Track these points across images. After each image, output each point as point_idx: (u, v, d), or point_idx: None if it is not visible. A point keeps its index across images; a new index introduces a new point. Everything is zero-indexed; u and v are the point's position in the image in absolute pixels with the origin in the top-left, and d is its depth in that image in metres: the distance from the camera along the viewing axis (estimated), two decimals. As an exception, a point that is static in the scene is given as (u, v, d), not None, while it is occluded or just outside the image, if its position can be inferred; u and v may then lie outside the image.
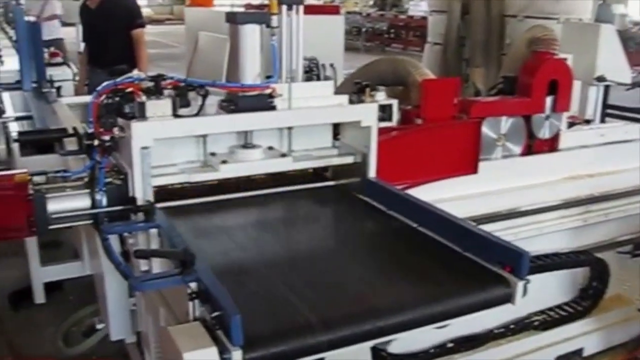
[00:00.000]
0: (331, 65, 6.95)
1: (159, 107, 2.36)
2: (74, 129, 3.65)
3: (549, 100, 3.67)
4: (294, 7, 2.89)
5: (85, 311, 4.21)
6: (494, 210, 3.48)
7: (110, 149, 2.37)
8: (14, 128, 4.11)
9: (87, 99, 5.23)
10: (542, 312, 3.83)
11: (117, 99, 2.37)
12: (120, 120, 2.37)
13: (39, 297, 4.25)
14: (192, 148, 2.64)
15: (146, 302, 2.53)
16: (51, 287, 4.38)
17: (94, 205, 2.34)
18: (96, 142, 2.38)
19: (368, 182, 2.69)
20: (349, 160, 2.76)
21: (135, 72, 2.53)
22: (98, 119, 2.38)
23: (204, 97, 2.51)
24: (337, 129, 2.85)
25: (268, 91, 2.59)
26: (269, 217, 2.73)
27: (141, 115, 2.34)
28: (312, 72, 6.92)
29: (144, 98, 2.36)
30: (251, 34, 2.64)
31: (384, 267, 2.25)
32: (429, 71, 3.57)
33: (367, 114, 2.67)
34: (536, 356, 3.72)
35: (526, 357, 3.69)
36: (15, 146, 3.96)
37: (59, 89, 5.17)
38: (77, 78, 6.83)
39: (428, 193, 2.87)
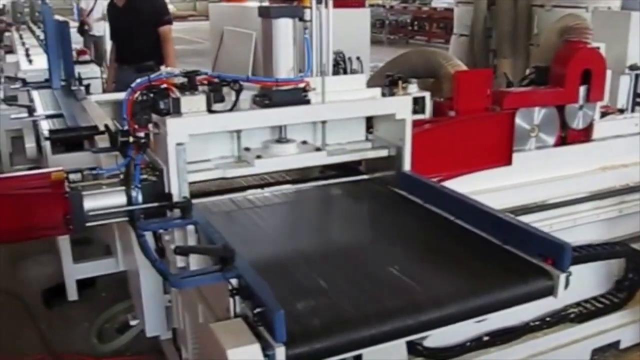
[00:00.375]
0: (357, 58, 6.95)
1: (194, 102, 2.36)
2: (106, 126, 3.66)
3: (582, 90, 3.62)
4: (324, 0, 2.85)
5: (118, 307, 4.24)
6: (527, 201, 3.44)
7: (145, 145, 2.36)
8: (45, 126, 4.11)
9: (116, 96, 5.32)
10: (577, 304, 3.79)
11: (151, 95, 2.36)
12: (154, 117, 2.36)
13: (72, 294, 4.25)
14: (226, 143, 2.62)
15: (183, 298, 2.53)
16: (84, 284, 4.40)
17: (130, 202, 2.32)
18: (131, 139, 2.37)
19: (403, 175, 2.67)
20: (383, 153, 2.74)
21: (167, 69, 2.53)
22: (132, 116, 2.39)
23: (238, 92, 2.49)
24: (370, 122, 2.82)
25: (302, 85, 2.56)
26: (304, 212, 2.72)
27: (176, 111, 2.33)
28: (339, 65, 6.93)
29: (178, 94, 2.36)
30: (285, 27, 2.60)
31: (424, 261, 2.23)
32: (461, 63, 3.53)
33: (401, 106, 2.64)
34: (572, 349, 3.67)
35: (562, 350, 3.64)
36: (47, 144, 3.97)
37: (87, 86, 5.22)
38: (104, 76, 6.89)
39: (462, 185, 2.82)
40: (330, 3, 3.28)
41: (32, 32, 11.21)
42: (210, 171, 2.53)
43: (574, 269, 2.02)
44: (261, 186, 2.74)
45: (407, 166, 2.67)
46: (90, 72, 6.04)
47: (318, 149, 2.67)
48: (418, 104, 3.11)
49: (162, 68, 5.46)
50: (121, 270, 4.08)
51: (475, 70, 4.30)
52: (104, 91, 6.54)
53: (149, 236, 2.43)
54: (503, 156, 3.31)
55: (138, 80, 2.44)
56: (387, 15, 22.91)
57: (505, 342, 3.47)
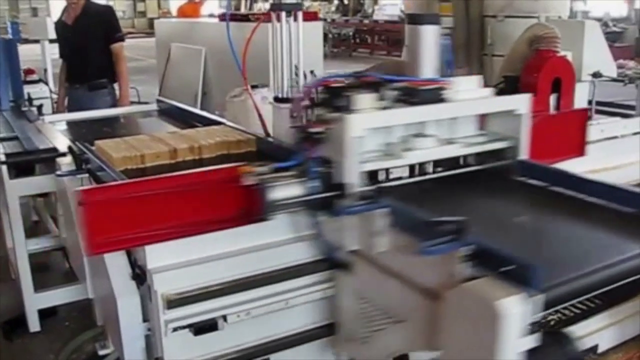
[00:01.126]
0: (312, 72, 6.90)
1: (365, 100, 2.59)
2: (69, 148, 3.53)
3: (552, 98, 3.64)
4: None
5: (84, 336, 4.07)
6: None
7: (319, 140, 2.53)
8: (-1, 150, 3.93)
9: (71, 116, 5.16)
10: (556, 310, 3.77)
11: (325, 94, 2.64)
12: (328, 114, 2.56)
13: (34, 325, 4.08)
14: (375, 139, 2.68)
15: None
16: (45, 314, 4.21)
17: (307, 193, 2.44)
18: (305, 135, 2.59)
19: (523, 163, 2.87)
20: (501, 145, 2.91)
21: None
22: (306, 113, 2.67)
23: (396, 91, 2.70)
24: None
25: (441, 85, 2.76)
26: (456, 196, 2.76)
27: (351, 108, 2.55)
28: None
29: (353, 93, 2.59)
30: (430, 33, 2.83)
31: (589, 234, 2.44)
32: (434, 73, 3.50)
33: (521, 103, 2.87)
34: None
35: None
36: (3, 168, 3.80)
37: (40, 107, 5.04)
38: (54, 96, 6.67)
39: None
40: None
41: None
42: (369, 163, 2.59)
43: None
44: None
45: (524, 155, 2.88)
46: (40, 92, 5.85)
47: (450, 142, 2.83)
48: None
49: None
50: (84, 297, 3.93)
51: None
52: (55, 111, 6.35)
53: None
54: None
55: (311, 80, 2.86)
56: (329, 29, 23.02)
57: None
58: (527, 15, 6.43)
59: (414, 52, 2.85)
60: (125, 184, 2.53)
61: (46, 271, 4.97)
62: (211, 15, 9.00)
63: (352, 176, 2.45)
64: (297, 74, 5.36)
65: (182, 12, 10.95)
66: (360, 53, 21.94)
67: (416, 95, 2.67)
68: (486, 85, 4.04)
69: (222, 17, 8.61)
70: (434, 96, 2.72)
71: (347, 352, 2.80)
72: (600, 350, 3.89)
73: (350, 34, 22.28)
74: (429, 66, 2.83)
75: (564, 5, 6.72)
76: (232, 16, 8.54)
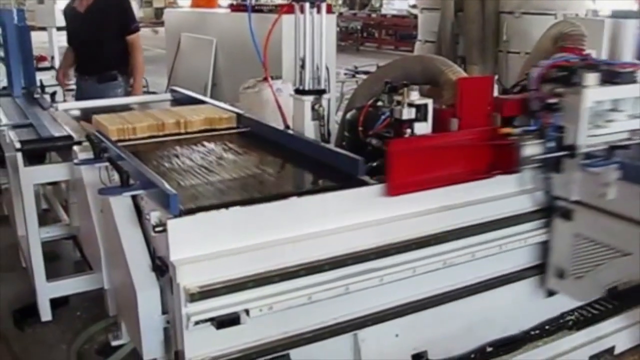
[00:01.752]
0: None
1: (591, 78, 3.06)
2: (87, 136, 3.49)
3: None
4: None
5: (96, 327, 4.03)
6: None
7: (555, 109, 3.10)
8: (13, 137, 3.88)
9: (85, 104, 5.10)
10: (573, 311, 3.74)
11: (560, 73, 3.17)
12: (562, 89, 3.12)
13: (46, 314, 4.02)
14: None
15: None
16: (56, 303, 4.16)
17: (545, 152, 3.09)
18: (543, 105, 3.14)
19: None
20: None
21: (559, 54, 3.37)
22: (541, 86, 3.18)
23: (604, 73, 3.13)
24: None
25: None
26: None
27: (584, 83, 3.04)
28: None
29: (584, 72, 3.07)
30: (630, 26, 3.60)
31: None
32: (460, 69, 3.45)
33: None
34: (571, 357, 3.62)
35: (562, 358, 3.59)
36: (18, 155, 3.75)
37: (53, 94, 4.99)
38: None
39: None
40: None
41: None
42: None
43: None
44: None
45: None
46: (51, 80, 5.77)
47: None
48: (420, 112, 3.01)
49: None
50: (98, 287, 3.89)
51: (479, 77, 4.23)
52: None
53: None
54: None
55: (546, 62, 3.24)
56: (337, 22, 22.89)
57: (509, 352, 3.40)
58: (545, 12, 6.38)
59: (615, 41, 3.64)
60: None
61: (56, 260, 4.92)
62: (230, 6, 8.89)
63: (582, 139, 3.04)
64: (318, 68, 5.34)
65: (196, 2, 10.85)
66: (367, 47, 21.85)
67: (618, 76, 3.13)
68: (501, 81, 4.02)
69: (234, 8, 8.54)
70: (632, 78, 3.17)
71: (558, 288, 3.37)
72: (617, 352, 3.89)
73: (359, 27, 22.14)
74: (628, 54, 3.57)
75: (582, 4, 6.67)
76: (242, 7, 8.49)
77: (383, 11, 23.50)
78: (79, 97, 6.07)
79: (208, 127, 3.90)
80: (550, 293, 3.44)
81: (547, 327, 3.58)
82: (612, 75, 3.13)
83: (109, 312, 3.71)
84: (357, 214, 2.80)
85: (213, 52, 8.52)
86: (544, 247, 3.34)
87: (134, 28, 5.93)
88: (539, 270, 3.39)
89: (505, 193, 3.17)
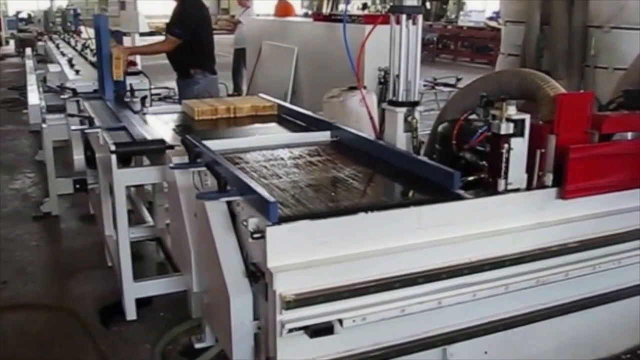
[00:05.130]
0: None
1: None
2: (182, 140, 3.55)
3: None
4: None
5: (180, 328, 4.08)
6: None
7: None
8: (108, 139, 3.97)
9: (173, 108, 5.21)
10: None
11: None
12: None
13: (131, 313, 4.10)
14: None
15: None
16: (140, 303, 4.24)
17: None
18: None
19: None
20: None
21: None
22: None
23: None
24: None
25: None
26: None
27: None
28: (388, 82, 6.79)
29: None
30: None
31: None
32: (558, 85, 3.38)
33: None
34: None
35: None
36: (113, 157, 3.83)
37: (144, 98, 5.10)
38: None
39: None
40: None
41: (67, 42, 11.16)
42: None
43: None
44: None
45: None
46: (140, 84, 5.90)
47: None
48: (517, 127, 2.96)
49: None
50: (184, 290, 3.95)
51: (578, 93, 4.15)
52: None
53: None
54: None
55: None
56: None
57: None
58: (636, 27, 6.21)
59: None
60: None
61: (140, 260, 5.01)
62: (305, 15, 8.97)
63: None
64: (387, 79, 5.36)
65: (279, 11, 11.03)
66: (442, 59, 21.68)
67: None
68: (597, 98, 3.92)
69: (316, 17, 8.60)
70: None
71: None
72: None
73: (435, 39, 21.97)
74: None
75: (675, 18, 6.45)
76: (325, 17, 8.53)
77: (459, 23, 23.31)
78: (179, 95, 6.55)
79: (254, 113, 4.80)
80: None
81: (638, 351, 3.47)
82: None
83: (191, 314, 3.77)
84: (450, 227, 2.79)
85: (294, 61, 8.59)
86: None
87: (172, 32, 6.30)
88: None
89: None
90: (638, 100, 3.54)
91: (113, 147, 3.81)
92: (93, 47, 7.63)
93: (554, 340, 3.19)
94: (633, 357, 3.49)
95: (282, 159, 3.54)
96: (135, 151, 3.97)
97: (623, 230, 3.18)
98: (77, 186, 6.15)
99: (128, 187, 5.36)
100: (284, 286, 2.46)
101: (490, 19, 22.69)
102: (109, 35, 5.41)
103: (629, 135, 3.30)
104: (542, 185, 3.01)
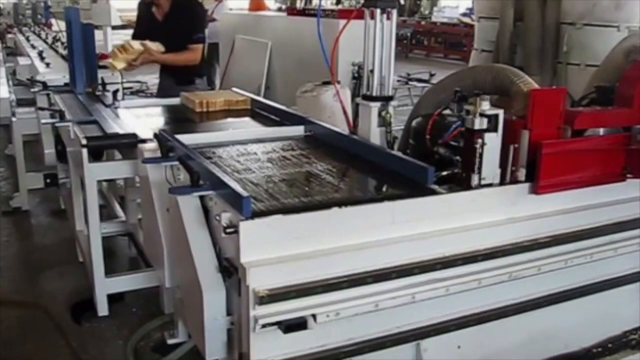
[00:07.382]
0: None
1: None
2: (155, 135, 3.52)
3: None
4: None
5: (152, 324, 4.06)
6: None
7: None
8: (79, 133, 3.92)
9: (146, 102, 5.16)
10: (636, 330, 3.66)
11: None
12: None
13: (103, 309, 4.06)
14: None
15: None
16: (112, 299, 4.20)
17: None
18: None
19: None
20: None
21: None
22: None
23: None
24: None
25: None
26: None
27: None
28: (362, 77, 6.79)
29: None
30: None
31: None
32: (531, 80, 3.39)
33: None
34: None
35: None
36: (84, 151, 3.78)
37: (116, 92, 5.04)
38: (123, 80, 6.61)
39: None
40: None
41: (37, 34, 11.02)
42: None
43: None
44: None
45: None
46: (112, 78, 5.83)
47: None
48: (490, 122, 2.97)
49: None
50: (157, 285, 3.92)
51: (551, 89, 4.17)
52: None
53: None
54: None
55: None
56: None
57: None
58: (608, 24, 6.27)
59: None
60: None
61: (112, 256, 4.97)
62: (279, 9, 8.95)
63: None
64: (361, 74, 5.36)
65: (253, 6, 10.98)
66: (416, 54, 21.75)
67: None
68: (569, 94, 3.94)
69: (290, 11, 8.57)
70: None
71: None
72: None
73: (409, 34, 22.00)
74: None
75: (646, 16, 6.52)
76: (299, 11, 8.51)
77: (433, 19, 23.38)
78: (159, 91, 6.35)
79: (227, 107, 4.73)
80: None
81: (609, 345, 3.51)
82: None
83: (164, 310, 3.74)
84: (424, 222, 2.79)
85: (268, 55, 8.56)
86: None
87: (196, 38, 5.91)
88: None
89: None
90: (610, 97, 3.57)
91: (84, 141, 3.76)
92: (64, 40, 7.55)
93: (526, 335, 3.21)
94: (604, 350, 3.53)
95: (255, 153, 3.52)
96: (107, 145, 3.94)
97: (595, 226, 3.20)
98: (48, 181, 6.09)
99: (99, 182, 5.31)
100: (257, 281, 2.44)
101: (464, 15, 22.77)
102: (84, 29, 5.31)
103: (601, 130, 3.31)
104: (515, 181, 3.01)
